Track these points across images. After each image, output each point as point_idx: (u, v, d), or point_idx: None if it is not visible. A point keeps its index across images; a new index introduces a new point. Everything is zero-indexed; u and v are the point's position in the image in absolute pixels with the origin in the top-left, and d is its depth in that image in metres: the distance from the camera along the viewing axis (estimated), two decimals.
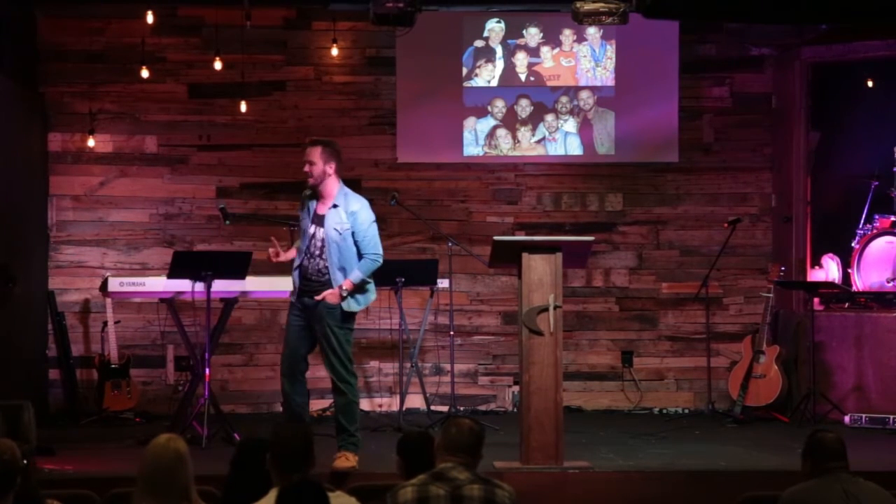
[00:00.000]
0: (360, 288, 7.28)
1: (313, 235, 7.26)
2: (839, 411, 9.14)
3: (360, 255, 7.27)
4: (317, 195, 7.31)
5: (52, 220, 10.02)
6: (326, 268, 7.22)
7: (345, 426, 7.25)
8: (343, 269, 7.21)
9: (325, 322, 7.20)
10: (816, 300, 9.60)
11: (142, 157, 10.14)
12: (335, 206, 7.25)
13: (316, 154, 7.22)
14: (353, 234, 7.23)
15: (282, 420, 7.50)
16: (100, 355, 9.58)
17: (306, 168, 7.26)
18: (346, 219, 7.23)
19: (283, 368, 7.41)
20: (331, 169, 7.23)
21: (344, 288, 7.17)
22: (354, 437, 7.25)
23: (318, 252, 7.25)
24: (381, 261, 7.35)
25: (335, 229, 7.21)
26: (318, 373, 10.01)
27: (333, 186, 7.27)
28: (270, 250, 7.45)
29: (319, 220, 7.26)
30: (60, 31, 10.06)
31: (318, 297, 7.18)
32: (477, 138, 10.33)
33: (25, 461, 4.46)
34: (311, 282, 7.26)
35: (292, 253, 7.48)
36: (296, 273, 7.33)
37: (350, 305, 7.24)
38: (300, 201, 7.47)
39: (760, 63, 10.44)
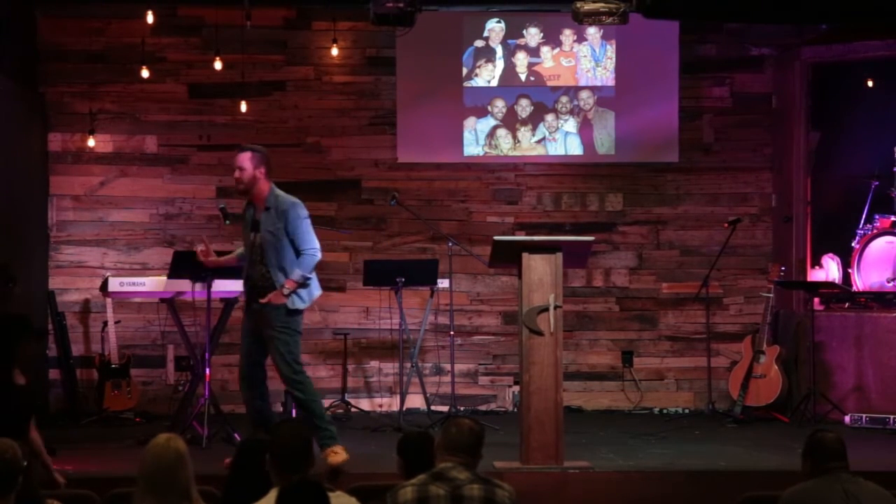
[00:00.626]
0: (302, 285, 7.30)
1: (253, 242, 7.34)
2: (839, 411, 9.14)
3: (298, 254, 7.31)
4: (253, 204, 7.38)
5: (53, 220, 10.02)
6: (268, 271, 7.27)
7: (315, 424, 7.24)
8: (283, 270, 7.25)
9: (271, 324, 7.24)
10: (816, 300, 9.60)
11: (142, 157, 10.14)
12: (267, 208, 7.31)
13: (246, 159, 7.29)
14: (287, 233, 7.27)
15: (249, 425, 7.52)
16: (100, 355, 9.58)
17: (236, 174, 7.32)
18: (278, 219, 7.27)
19: (241, 379, 7.46)
20: (260, 174, 7.29)
21: (286, 287, 7.21)
22: (329, 430, 7.26)
23: (258, 258, 7.31)
24: (319, 255, 7.37)
25: (269, 231, 7.27)
26: (317, 373, 10.05)
27: (264, 191, 7.32)
28: (199, 248, 7.60)
29: (256, 226, 7.34)
30: (60, 31, 10.07)
31: (263, 301, 7.22)
32: (477, 138, 10.33)
33: (26, 462, 4.45)
34: (257, 288, 7.31)
35: (223, 260, 7.64)
36: (244, 282, 7.45)
37: (295, 303, 7.27)
38: (244, 209, 7.49)
39: (760, 63, 10.44)
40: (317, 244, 7.35)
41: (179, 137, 10.17)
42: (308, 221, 7.36)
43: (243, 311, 7.54)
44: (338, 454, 7.12)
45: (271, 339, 7.26)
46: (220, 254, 7.71)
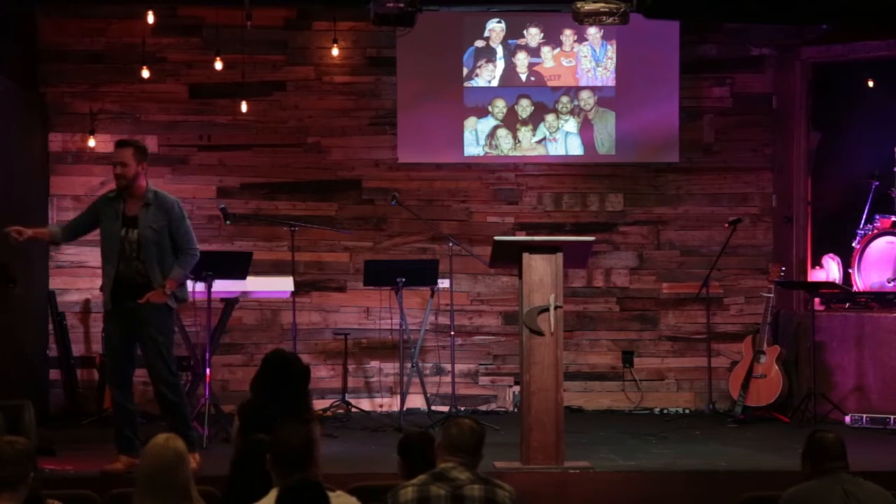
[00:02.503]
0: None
1: (125, 237, 7.12)
2: (840, 411, 9.14)
3: (175, 253, 7.20)
4: (123, 196, 7.18)
5: (53, 220, 10.01)
6: (144, 269, 7.11)
7: (181, 430, 7.00)
8: (162, 268, 7.13)
9: (150, 324, 7.10)
10: (817, 300, 9.60)
11: None
12: (147, 204, 7.15)
13: (128, 155, 7.14)
14: (169, 231, 7.16)
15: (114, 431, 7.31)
16: (100, 355, 9.57)
17: (118, 170, 7.14)
18: (162, 216, 7.16)
19: (112, 380, 7.27)
20: (142, 169, 7.17)
21: (168, 287, 7.12)
22: (191, 436, 7.15)
23: (134, 254, 7.12)
24: (199, 255, 7.31)
25: (151, 227, 7.12)
26: (317, 373, 10.05)
27: (143, 186, 7.18)
28: (14, 233, 7.17)
29: (131, 222, 7.13)
30: (60, 31, 10.07)
31: (142, 300, 7.06)
32: (477, 138, 10.32)
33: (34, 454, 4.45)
34: (132, 286, 7.10)
35: (37, 233, 7.31)
36: (109, 279, 7.13)
37: (171, 303, 7.21)
38: (97, 205, 7.26)
39: (761, 63, 10.44)
40: (197, 244, 7.30)
41: (180, 137, 10.16)
42: (188, 221, 7.31)
43: (107, 312, 7.24)
44: (194, 461, 6.74)
45: (152, 339, 7.12)
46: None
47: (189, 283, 7.98)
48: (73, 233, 7.44)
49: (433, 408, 9.50)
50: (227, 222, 8.08)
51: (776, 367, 9.45)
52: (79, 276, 10.02)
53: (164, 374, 7.15)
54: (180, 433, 6.99)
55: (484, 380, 10.27)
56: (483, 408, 10.13)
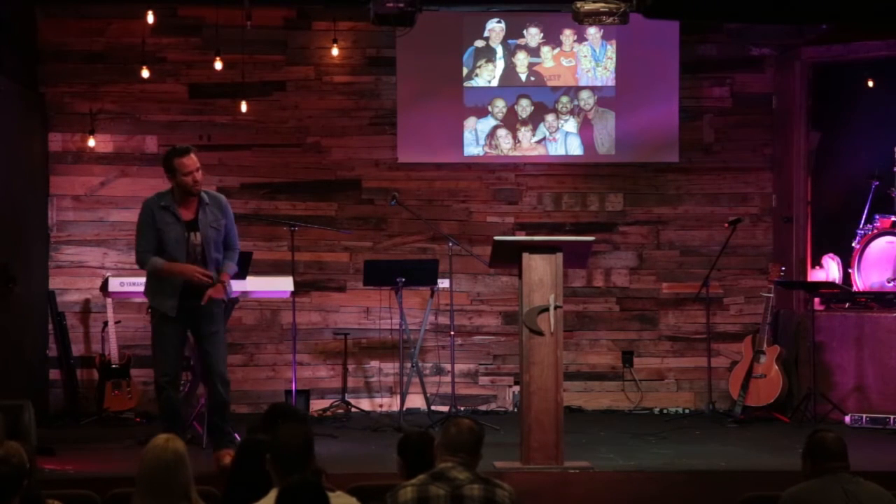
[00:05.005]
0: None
1: (188, 241, 7.13)
2: (840, 411, 9.14)
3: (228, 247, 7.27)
4: (174, 201, 7.16)
5: (53, 220, 10.02)
6: (207, 270, 7.12)
7: (221, 426, 7.19)
8: (218, 265, 7.19)
9: (214, 320, 7.17)
10: (817, 300, 9.61)
11: (142, 157, 10.14)
12: (204, 204, 7.18)
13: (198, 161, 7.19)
14: (225, 227, 7.23)
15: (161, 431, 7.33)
16: (100, 355, 9.58)
17: (200, 175, 7.19)
18: (221, 214, 7.22)
19: (170, 380, 7.15)
20: None
21: (226, 282, 7.17)
22: (231, 434, 7.23)
23: (199, 257, 7.14)
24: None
25: (213, 227, 7.17)
26: (317, 373, 10.06)
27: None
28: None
29: (192, 225, 7.15)
30: (60, 31, 10.07)
31: (205, 300, 7.07)
32: (477, 138, 10.32)
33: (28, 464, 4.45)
34: (196, 287, 7.08)
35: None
36: (175, 286, 7.06)
37: (225, 297, 7.27)
38: (150, 215, 7.17)
39: (760, 63, 10.44)
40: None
41: (180, 137, 10.12)
42: None
43: (169, 316, 7.11)
44: (230, 456, 6.98)
45: (215, 333, 7.17)
46: None
47: None
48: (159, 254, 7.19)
49: (433, 408, 9.50)
50: None
51: (776, 367, 9.46)
52: (79, 276, 10.02)
53: (223, 370, 7.23)
54: (221, 431, 7.16)
55: (484, 380, 10.27)
56: (483, 408, 10.13)
